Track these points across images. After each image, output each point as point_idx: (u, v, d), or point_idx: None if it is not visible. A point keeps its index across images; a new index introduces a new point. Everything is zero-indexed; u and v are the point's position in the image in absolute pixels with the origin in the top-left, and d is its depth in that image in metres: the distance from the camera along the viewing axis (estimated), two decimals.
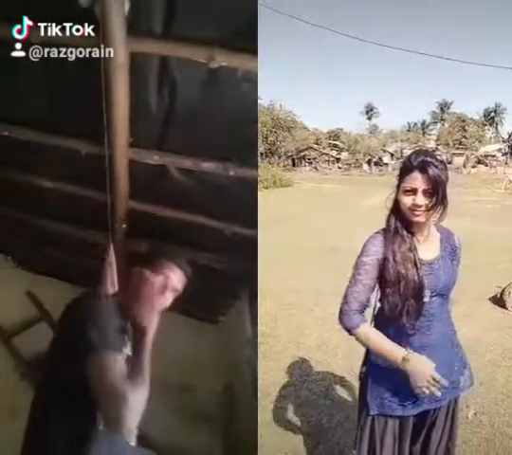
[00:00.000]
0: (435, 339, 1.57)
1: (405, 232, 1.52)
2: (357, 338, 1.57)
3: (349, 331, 1.57)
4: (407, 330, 1.53)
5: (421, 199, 1.45)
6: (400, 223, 1.53)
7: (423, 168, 1.44)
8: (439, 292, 1.55)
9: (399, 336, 1.56)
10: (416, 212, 1.47)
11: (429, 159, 1.45)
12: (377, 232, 1.58)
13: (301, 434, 2.55)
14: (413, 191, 1.46)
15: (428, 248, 1.57)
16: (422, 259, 1.54)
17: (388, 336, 1.57)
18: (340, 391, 2.96)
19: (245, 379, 3.20)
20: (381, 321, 1.61)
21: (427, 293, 1.52)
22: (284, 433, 2.56)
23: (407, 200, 1.47)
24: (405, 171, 1.48)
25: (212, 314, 3.91)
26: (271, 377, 3.13)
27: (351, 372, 3.03)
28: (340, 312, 1.58)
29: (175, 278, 1.79)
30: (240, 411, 3.28)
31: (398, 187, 1.51)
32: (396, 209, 1.53)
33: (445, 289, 1.56)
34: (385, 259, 1.53)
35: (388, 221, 1.56)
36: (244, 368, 3.27)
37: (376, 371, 1.63)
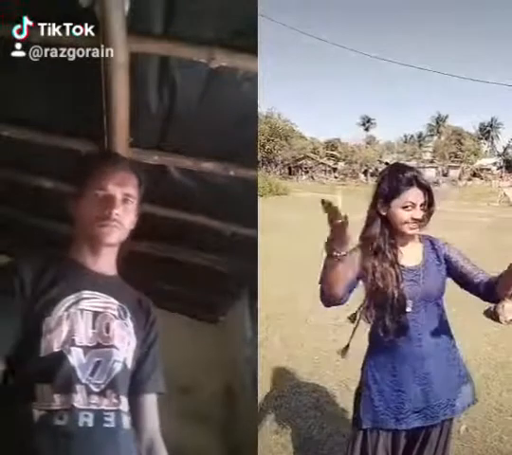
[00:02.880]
0: (427, 350, 1.56)
1: (388, 247, 1.53)
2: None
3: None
4: (395, 340, 1.54)
5: (419, 213, 1.48)
6: (383, 237, 1.53)
7: (419, 183, 1.48)
8: (422, 298, 1.54)
9: (388, 343, 1.56)
10: (413, 225, 1.50)
11: (417, 174, 1.49)
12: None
13: (290, 446, 2.52)
14: (413, 206, 1.48)
15: (410, 255, 1.57)
16: (404, 265, 1.55)
17: (378, 344, 1.59)
18: (331, 404, 2.93)
19: (245, 379, 3.20)
20: (372, 332, 1.62)
21: (409, 303, 1.53)
22: (274, 445, 2.53)
23: (404, 215, 1.49)
24: (399, 188, 1.48)
25: (212, 314, 3.91)
26: (262, 388, 3.11)
27: (341, 384, 3.02)
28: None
29: (115, 183, 1.36)
30: (240, 411, 3.28)
31: (386, 203, 1.50)
32: (381, 225, 1.53)
33: (428, 295, 1.56)
34: (365, 271, 1.52)
35: (365, 236, 1.55)
36: (244, 368, 3.27)
37: (371, 384, 1.62)
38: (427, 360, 1.56)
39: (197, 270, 3.08)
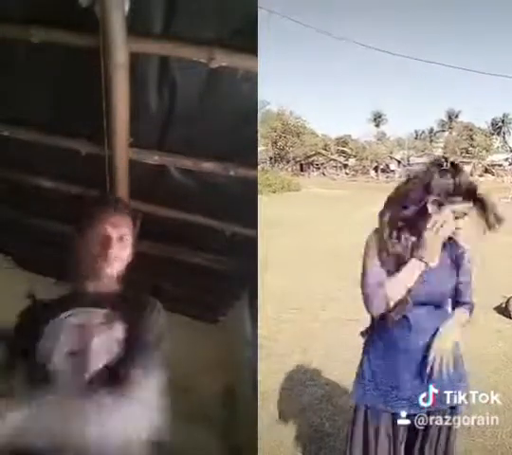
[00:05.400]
0: (415, 346, 1.56)
1: (407, 237, 1.55)
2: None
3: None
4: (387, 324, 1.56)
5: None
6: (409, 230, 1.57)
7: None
8: (420, 300, 1.54)
9: (382, 324, 1.58)
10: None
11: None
12: None
13: (302, 439, 2.54)
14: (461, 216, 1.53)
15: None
16: None
17: (378, 328, 1.62)
18: (343, 397, 2.91)
19: (245, 379, 3.20)
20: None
21: None
22: (286, 438, 2.55)
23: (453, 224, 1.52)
24: (454, 192, 1.49)
25: (212, 314, 3.92)
26: (273, 381, 3.12)
27: (353, 377, 3.02)
28: None
29: (112, 224, 1.52)
30: (240, 411, 3.28)
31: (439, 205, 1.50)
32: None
33: (428, 297, 1.56)
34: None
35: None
36: (244, 368, 3.27)
37: (365, 362, 1.68)
38: (406, 353, 1.57)
39: (197, 270, 3.08)
